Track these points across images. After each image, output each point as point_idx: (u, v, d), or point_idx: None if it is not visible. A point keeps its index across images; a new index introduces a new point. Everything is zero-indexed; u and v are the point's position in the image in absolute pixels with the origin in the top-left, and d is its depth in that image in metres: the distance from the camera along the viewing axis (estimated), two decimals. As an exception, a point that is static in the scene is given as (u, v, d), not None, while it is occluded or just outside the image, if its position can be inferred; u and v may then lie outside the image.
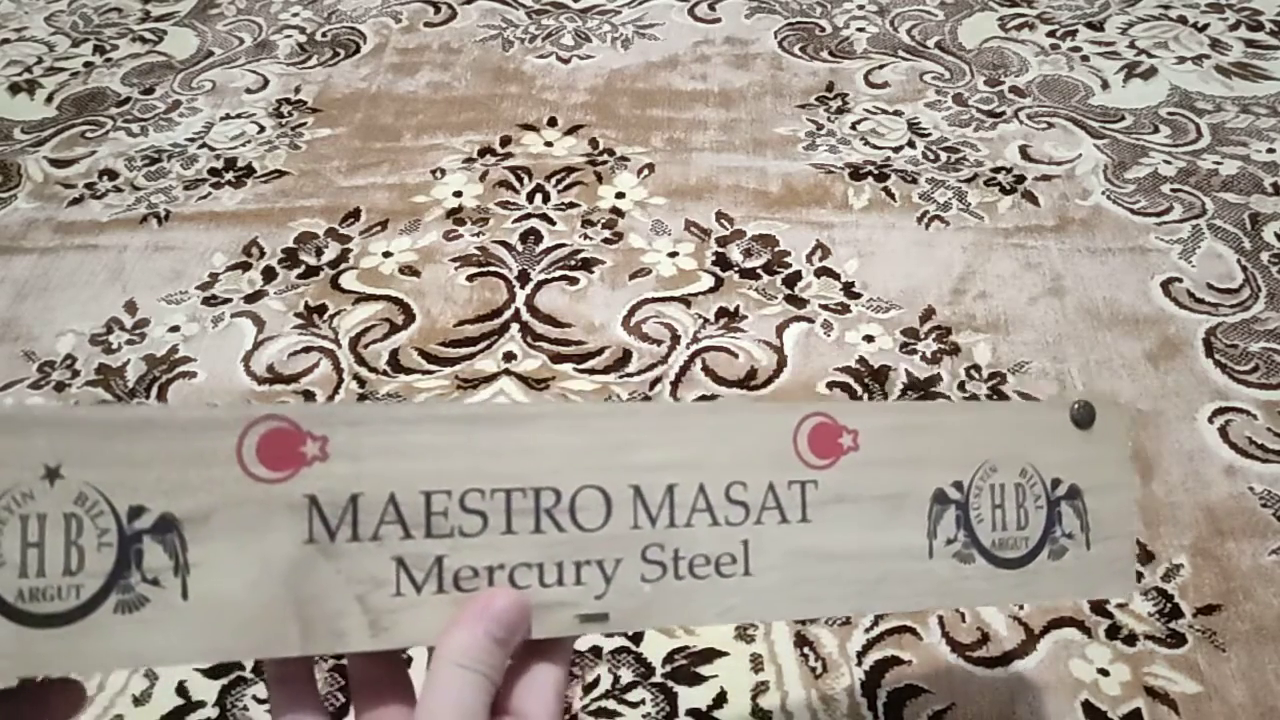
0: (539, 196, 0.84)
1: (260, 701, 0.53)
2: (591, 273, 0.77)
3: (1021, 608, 0.56)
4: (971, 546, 0.36)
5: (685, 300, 0.74)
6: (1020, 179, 0.84)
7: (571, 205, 0.83)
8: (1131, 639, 0.55)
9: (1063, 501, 0.38)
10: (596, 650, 0.55)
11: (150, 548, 0.27)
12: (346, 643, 0.29)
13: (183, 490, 0.28)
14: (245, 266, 0.79)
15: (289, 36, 1.05)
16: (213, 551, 0.28)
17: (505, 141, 0.90)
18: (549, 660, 0.31)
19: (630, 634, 0.55)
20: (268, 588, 0.28)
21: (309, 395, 0.69)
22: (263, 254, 0.80)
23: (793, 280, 0.76)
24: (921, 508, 0.36)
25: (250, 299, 0.76)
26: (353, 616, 0.29)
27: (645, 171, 0.86)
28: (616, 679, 0.53)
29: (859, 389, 0.68)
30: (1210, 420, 0.66)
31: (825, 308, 0.73)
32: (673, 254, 0.78)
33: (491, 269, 0.77)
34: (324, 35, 1.05)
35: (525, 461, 0.31)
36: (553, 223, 0.81)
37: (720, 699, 0.53)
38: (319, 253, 0.80)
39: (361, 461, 0.30)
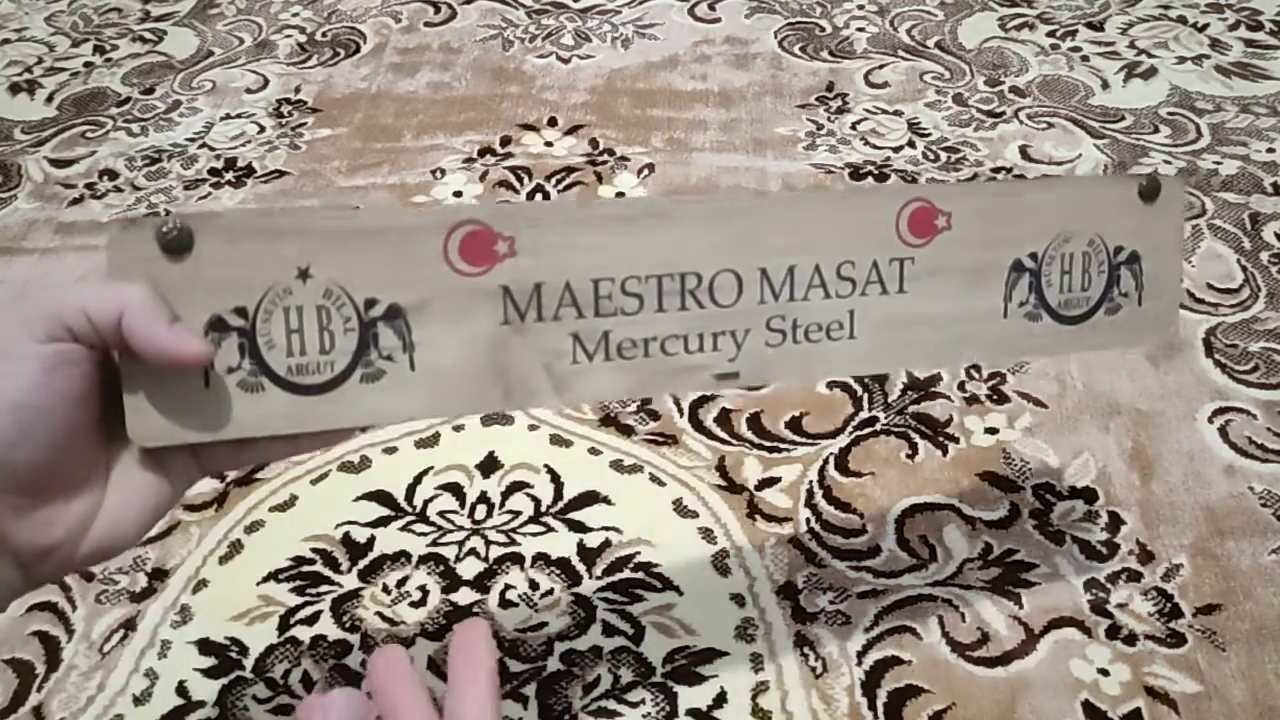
0: (539, 196, 0.84)
1: (260, 701, 0.53)
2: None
3: (1021, 609, 0.56)
4: (1040, 307, 0.43)
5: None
6: (1020, 179, 0.84)
7: (571, 205, 0.83)
8: (1131, 639, 0.55)
9: (1123, 266, 0.44)
10: (597, 650, 0.55)
11: (384, 331, 0.34)
12: (538, 400, 0.37)
13: (406, 284, 0.35)
14: (245, 266, 0.79)
15: (289, 36, 1.05)
16: (432, 333, 0.35)
17: (505, 141, 0.90)
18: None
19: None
20: (475, 359, 0.35)
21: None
22: (263, 254, 0.80)
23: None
24: (1000, 276, 0.42)
25: (250, 299, 0.76)
26: (541, 379, 0.36)
27: (645, 171, 0.86)
28: (616, 679, 0.53)
29: (859, 389, 0.67)
30: (1210, 420, 0.66)
31: (825, 308, 0.73)
32: (673, 254, 0.78)
33: (491, 269, 0.77)
34: (324, 35, 1.05)
35: (672, 251, 0.38)
36: (553, 223, 0.81)
37: (720, 699, 0.53)
38: (319, 253, 0.80)
39: (542, 256, 0.36)
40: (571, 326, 0.37)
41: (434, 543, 0.59)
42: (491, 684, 0.31)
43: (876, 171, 0.85)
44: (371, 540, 0.60)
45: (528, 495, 0.62)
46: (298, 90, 0.97)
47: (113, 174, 0.88)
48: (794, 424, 0.65)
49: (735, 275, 0.39)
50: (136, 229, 0.32)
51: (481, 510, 0.61)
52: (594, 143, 0.90)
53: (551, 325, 0.36)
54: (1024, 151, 0.87)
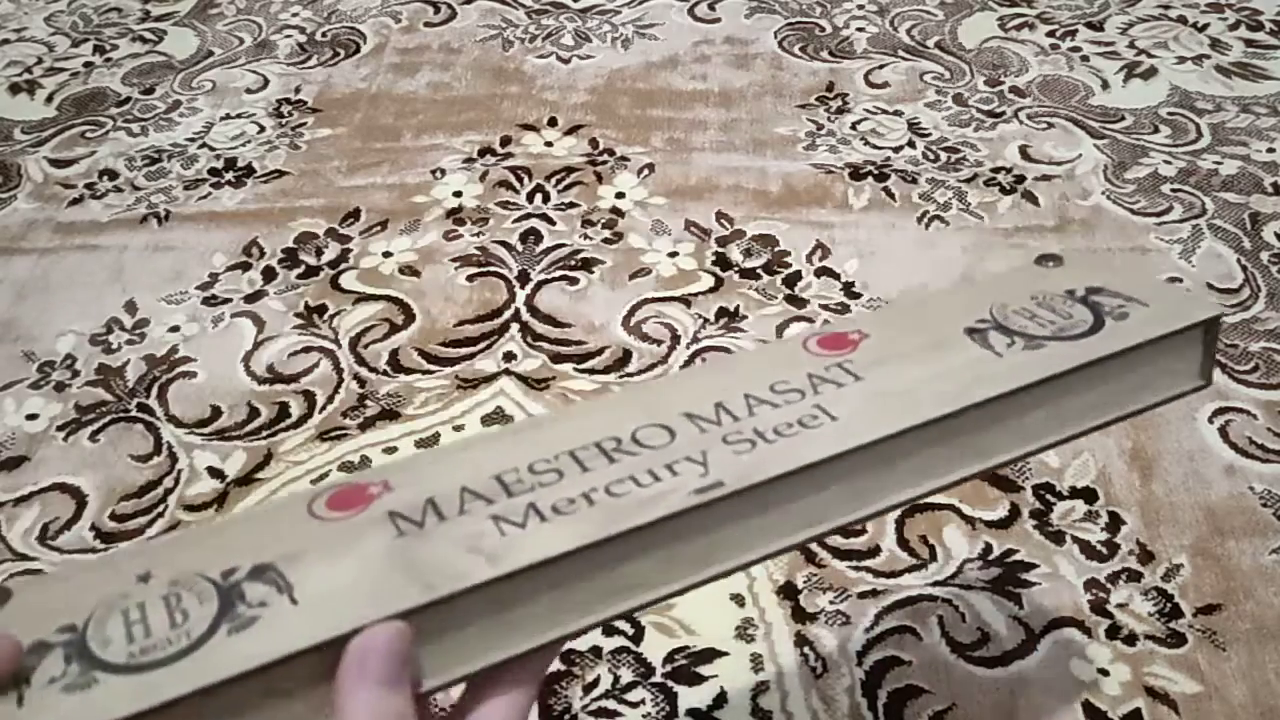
0: (539, 196, 0.84)
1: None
2: (591, 273, 0.77)
3: (1021, 609, 0.56)
4: (1035, 340, 0.35)
5: (685, 300, 0.74)
6: (1020, 179, 0.84)
7: (571, 205, 0.83)
8: (1131, 639, 0.55)
9: (1090, 296, 0.37)
10: (596, 650, 0.55)
11: (251, 587, 0.28)
12: (472, 578, 0.28)
13: (270, 546, 0.29)
14: (245, 266, 0.79)
15: (289, 36, 1.05)
16: (311, 571, 0.29)
17: (505, 141, 0.90)
18: (513, 688, 0.29)
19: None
20: (375, 570, 0.29)
21: (309, 395, 0.69)
22: (263, 254, 0.80)
23: (793, 280, 0.76)
24: (961, 342, 0.35)
25: (250, 299, 0.76)
26: (466, 561, 0.29)
27: (645, 171, 0.86)
28: (616, 679, 0.53)
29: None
30: (1210, 420, 0.66)
31: (825, 307, 0.73)
32: (673, 254, 0.78)
33: (491, 269, 0.77)
34: (324, 35, 1.05)
35: (575, 431, 0.32)
36: (553, 223, 0.81)
37: (720, 699, 0.53)
38: (319, 253, 0.80)
39: (425, 481, 0.31)
40: (486, 512, 0.30)
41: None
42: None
43: (876, 171, 0.85)
44: (371, 540, 0.60)
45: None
46: (298, 90, 0.97)
47: (113, 174, 0.88)
48: (794, 424, 0.65)
49: (661, 426, 0.32)
50: None
51: (481, 510, 0.61)
52: (594, 143, 0.90)
53: (459, 519, 0.30)
54: (1024, 151, 0.87)
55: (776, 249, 0.78)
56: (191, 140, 0.91)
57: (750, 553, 0.31)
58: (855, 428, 0.32)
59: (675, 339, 0.71)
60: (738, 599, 0.57)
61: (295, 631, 0.27)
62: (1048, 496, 0.61)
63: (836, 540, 0.59)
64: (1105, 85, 0.95)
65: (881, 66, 0.98)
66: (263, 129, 0.92)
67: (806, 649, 0.55)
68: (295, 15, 1.08)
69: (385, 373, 0.70)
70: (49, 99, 0.98)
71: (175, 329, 0.74)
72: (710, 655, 0.55)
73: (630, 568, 0.29)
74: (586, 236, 0.80)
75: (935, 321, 0.36)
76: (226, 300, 0.76)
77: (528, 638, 0.29)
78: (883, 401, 0.33)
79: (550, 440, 0.32)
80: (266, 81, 0.98)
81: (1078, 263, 0.39)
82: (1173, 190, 0.82)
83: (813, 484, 0.31)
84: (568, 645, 0.54)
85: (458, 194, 0.85)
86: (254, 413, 0.68)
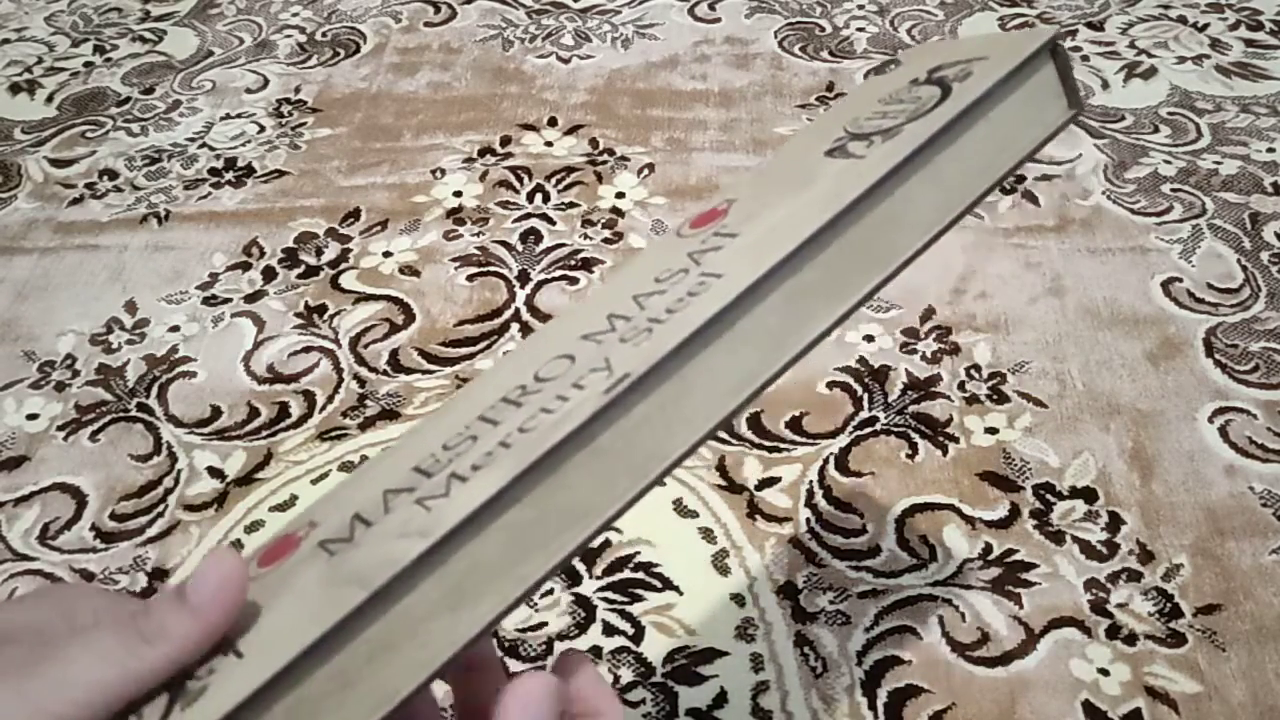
0: (539, 196, 0.84)
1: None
2: (592, 272, 0.77)
3: (1021, 609, 0.56)
4: (894, 130, 0.32)
5: (685, 300, 0.74)
6: (1020, 179, 0.84)
7: (571, 205, 0.83)
8: (1131, 639, 0.55)
9: (934, 74, 0.34)
10: (597, 650, 0.55)
11: (195, 667, 0.27)
12: (406, 557, 0.26)
13: None
14: (245, 266, 0.79)
15: (289, 36, 1.05)
16: (252, 625, 0.27)
17: (505, 141, 0.90)
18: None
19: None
20: (312, 595, 0.27)
21: (309, 395, 0.69)
22: (263, 254, 0.80)
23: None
24: (824, 164, 0.33)
25: (250, 299, 0.76)
26: (400, 544, 0.26)
27: (645, 171, 0.86)
28: (616, 679, 0.53)
29: (859, 389, 0.68)
30: (1210, 420, 0.66)
31: (825, 308, 0.73)
32: (673, 254, 0.78)
33: (491, 269, 0.77)
34: (324, 35, 1.05)
35: (483, 394, 0.31)
36: (553, 222, 0.81)
37: (720, 699, 0.53)
38: (319, 252, 0.80)
39: (348, 503, 0.30)
40: (410, 500, 0.28)
41: (434, 543, 0.59)
42: None
43: (876, 171, 0.85)
44: (371, 540, 0.60)
45: (528, 495, 0.62)
46: (298, 90, 0.97)
47: (113, 174, 0.88)
48: (794, 424, 0.65)
49: (561, 357, 0.30)
50: None
51: (481, 510, 0.61)
52: (594, 142, 0.90)
53: (387, 519, 0.28)
54: (1024, 151, 0.87)
55: (776, 249, 0.78)
56: (191, 140, 0.91)
57: (687, 436, 0.29)
58: (741, 274, 0.29)
59: (675, 339, 0.71)
60: (738, 599, 0.57)
61: (243, 681, 0.25)
62: (1048, 496, 0.61)
63: (836, 540, 0.59)
64: (1105, 85, 0.95)
65: (881, 67, 0.98)
66: (263, 129, 0.92)
67: (806, 649, 0.55)
68: (295, 15, 1.08)
69: (385, 373, 0.70)
70: (49, 99, 0.98)
71: (175, 329, 0.74)
72: (710, 655, 0.55)
73: (569, 495, 0.27)
74: (586, 236, 0.80)
75: (795, 162, 0.35)
76: (226, 300, 0.76)
77: (492, 603, 0.27)
78: (762, 242, 0.30)
79: (459, 414, 0.30)
80: (266, 81, 0.98)
81: (915, 55, 0.37)
82: (1173, 190, 0.82)
83: (723, 346, 0.29)
84: (567, 645, 0.54)
85: (458, 194, 0.85)
86: (254, 413, 0.68)
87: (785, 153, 0.37)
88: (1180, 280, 0.75)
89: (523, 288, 0.76)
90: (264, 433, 0.67)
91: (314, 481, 0.63)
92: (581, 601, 0.57)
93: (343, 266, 0.78)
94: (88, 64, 1.02)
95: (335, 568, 0.27)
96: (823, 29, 1.03)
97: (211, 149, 0.90)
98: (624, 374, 0.27)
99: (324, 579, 0.27)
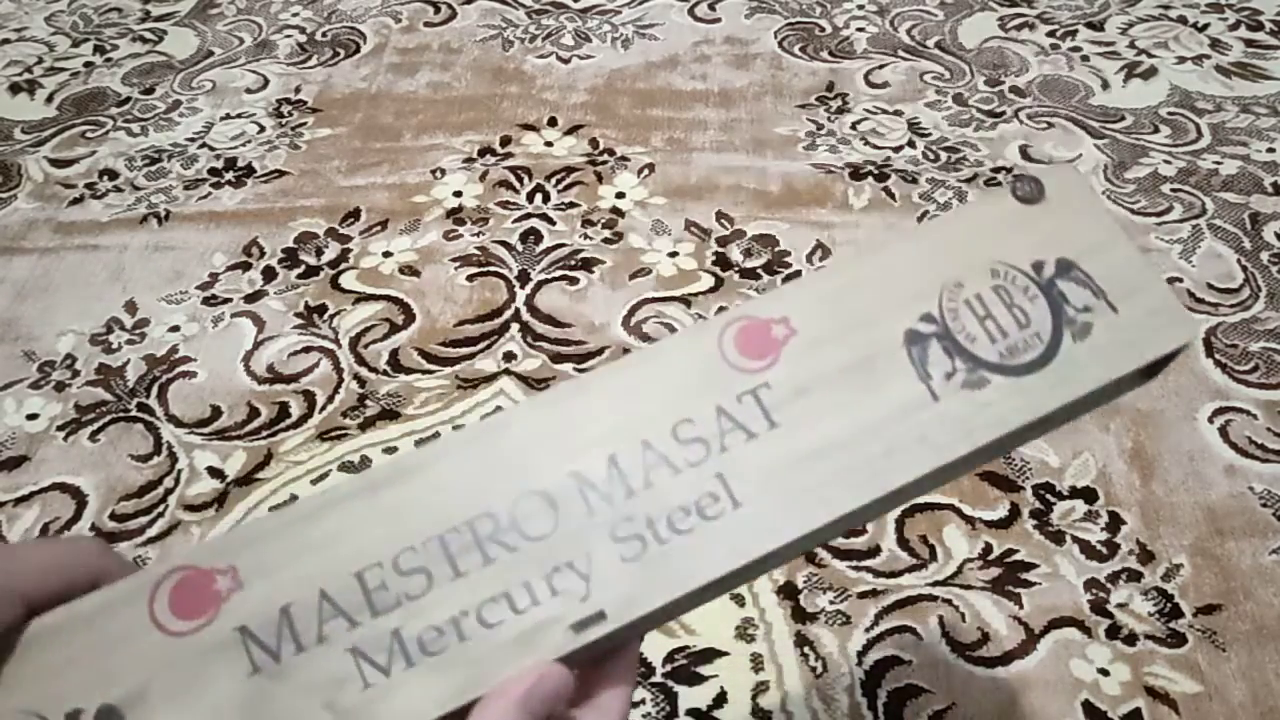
0: (539, 196, 0.84)
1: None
2: (591, 273, 0.77)
3: (1021, 609, 0.56)
4: (979, 369, 0.30)
5: (685, 300, 0.74)
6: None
7: (571, 205, 0.83)
8: (1131, 639, 0.55)
9: (1057, 280, 0.31)
10: (596, 650, 0.55)
11: None
12: None
13: (112, 677, 0.27)
14: (245, 266, 0.79)
15: (289, 36, 1.05)
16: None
17: (505, 141, 0.90)
18: (613, 683, 0.29)
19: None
20: None
21: (309, 395, 0.69)
22: (263, 254, 0.80)
23: (793, 280, 0.75)
24: (898, 357, 0.30)
25: (250, 299, 0.76)
26: (343, 673, 0.27)
27: (645, 171, 0.86)
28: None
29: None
30: (1210, 420, 0.66)
31: (825, 308, 0.73)
32: (673, 254, 0.78)
33: (491, 269, 0.77)
34: (324, 35, 1.05)
35: (445, 500, 0.28)
36: (553, 223, 0.81)
37: (720, 699, 0.53)
38: (319, 252, 0.80)
39: (278, 572, 0.28)
40: (346, 641, 0.27)
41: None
42: None
43: (877, 171, 0.85)
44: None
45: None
46: (298, 90, 0.97)
47: (113, 174, 0.88)
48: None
49: (540, 495, 0.29)
50: None
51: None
52: (594, 143, 0.90)
53: (319, 651, 0.27)
54: (1024, 151, 0.87)
55: (777, 249, 0.78)
56: (191, 140, 0.91)
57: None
58: (757, 527, 0.28)
59: (675, 339, 0.71)
60: (738, 599, 0.57)
61: None
62: (1048, 496, 0.61)
63: (837, 540, 0.59)
64: (1105, 85, 0.95)
65: (881, 66, 0.98)
66: (263, 129, 0.92)
67: (806, 649, 0.55)
68: (295, 15, 1.08)
69: (385, 373, 0.70)
70: (49, 99, 0.98)
71: (175, 329, 0.74)
72: (710, 655, 0.55)
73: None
74: (586, 236, 0.80)
75: (873, 308, 0.31)
76: (226, 300, 0.76)
77: None
78: (794, 479, 0.29)
79: (417, 512, 0.28)
80: (266, 81, 0.98)
81: (1055, 208, 0.32)
82: (1173, 190, 0.82)
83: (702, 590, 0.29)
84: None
85: (458, 194, 0.85)
86: (254, 413, 0.68)
87: (867, 277, 0.32)
88: (1180, 280, 0.75)
89: (523, 288, 0.76)
90: (264, 433, 0.67)
91: (313, 482, 0.63)
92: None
93: (343, 266, 0.78)
94: (88, 64, 1.02)
95: (254, 700, 0.26)
96: (823, 29, 1.03)
97: (211, 149, 0.90)
98: (599, 612, 0.27)
99: (241, 707, 0.26)
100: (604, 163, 0.87)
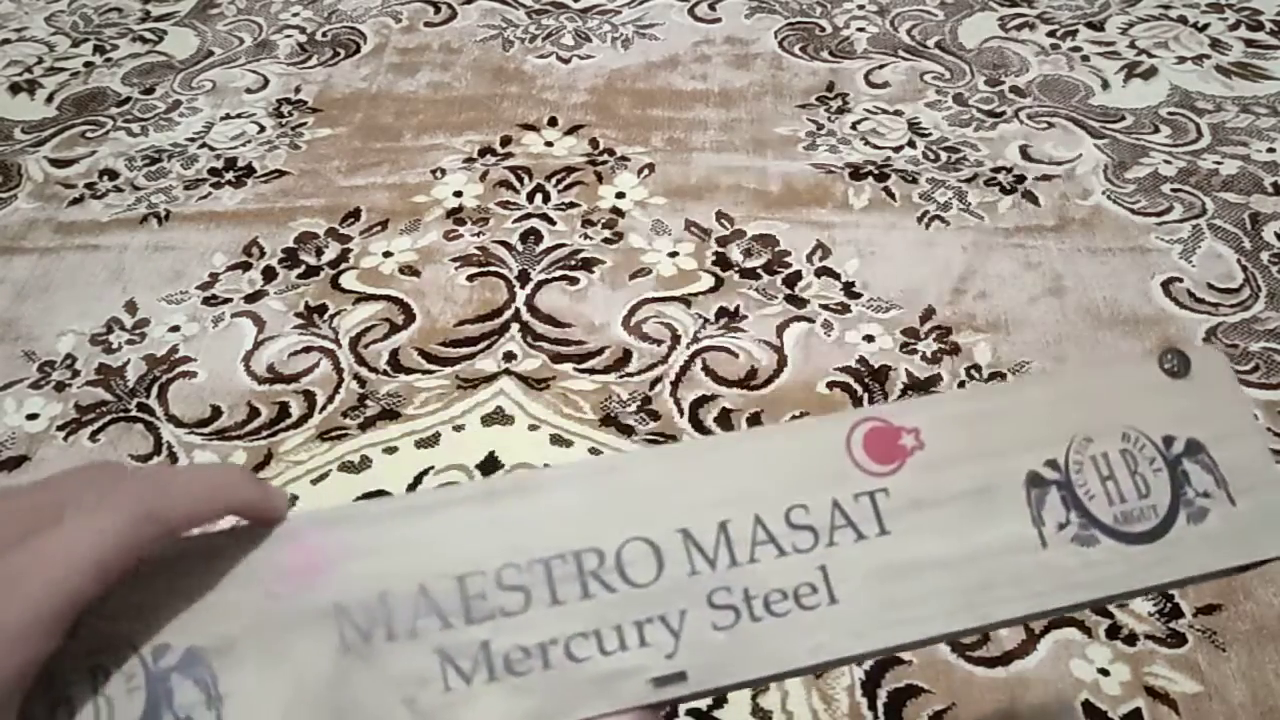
0: (539, 196, 0.84)
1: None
2: (591, 273, 0.77)
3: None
4: (1091, 526, 0.30)
5: (685, 300, 0.74)
6: (1020, 179, 0.84)
7: (571, 205, 0.83)
8: (1132, 639, 0.55)
9: (1184, 459, 0.32)
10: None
11: (180, 684, 0.26)
12: None
13: (207, 621, 0.27)
14: (245, 266, 0.79)
15: (289, 36, 1.05)
16: (244, 680, 0.27)
17: (505, 141, 0.90)
18: None
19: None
20: (306, 708, 0.27)
21: (309, 395, 0.69)
22: (263, 254, 0.80)
23: (793, 280, 0.76)
24: (1016, 496, 0.30)
25: (250, 299, 0.76)
26: (399, 713, 0.27)
27: (645, 171, 0.86)
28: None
29: (859, 389, 0.68)
30: (1210, 420, 0.66)
31: (825, 307, 0.73)
32: (673, 254, 0.78)
33: (492, 269, 0.77)
34: (324, 35, 1.05)
35: (558, 526, 0.29)
36: (553, 223, 0.81)
37: (720, 699, 0.53)
38: (319, 253, 0.80)
39: (384, 558, 0.28)
40: (435, 641, 0.27)
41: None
42: None
43: (877, 171, 0.85)
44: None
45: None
46: (298, 90, 0.97)
47: (113, 174, 0.88)
48: (794, 424, 0.65)
49: (649, 544, 0.29)
50: None
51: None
52: (594, 143, 0.90)
53: (408, 644, 0.27)
54: (1024, 151, 0.87)
55: (777, 249, 0.78)
56: (192, 140, 0.91)
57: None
58: (847, 628, 0.29)
59: (675, 339, 0.71)
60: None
61: None
62: (1048, 496, 0.61)
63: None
64: (1105, 85, 0.95)
65: (882, 66, 0.98)
66: (263, 129, 0.92)
67: (806, 649, 0.55)
68: (295, 15, 1.08)
69: (385, 373, 0.70)
70: (49, 99, 0.98)
71: (175, 329, 0.74)
72: (710, 655, 0.54)
73: None
74: (586, 236, 0.80)
75: (1003, 441, 0.31)
76: (227, 300, 0.76)
77: None
78: (892, 589, 0.29)
79: (528, 530, 0.29)
80: (266, 81, 0.98)
81: (1196, 387, 0.33)
82: (1173, 190, 0.82)
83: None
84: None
85: (458, 194, 0.85)
86: (254, 413, 0.68)
87: (1004, 410, 0.32)
88: (1180, 280, 0.75)
89: (523, 288, 0.76)
90: (264, 433, 0.67)
91: (314, 481, 0.63)
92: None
93: (343, 266, 0.78)
94: (88, 64, 1.02)
95: (338, 680, 0.27)
96: (823, 29, 1.03)
97: (211, 149, 0.90)
98: (681, 672, 0.28)
99: (324, 687, 0.27)
100: (604, 163, 0.87)
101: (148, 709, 0.26)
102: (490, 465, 0.63)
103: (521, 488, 0.29)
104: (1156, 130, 0.89)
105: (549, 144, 0.90)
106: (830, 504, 0.30)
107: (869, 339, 0.71)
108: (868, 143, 0.88)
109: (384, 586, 0.28)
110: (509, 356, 0.71)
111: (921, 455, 0.31)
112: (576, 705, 0.27)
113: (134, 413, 0.69)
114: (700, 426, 0.65)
